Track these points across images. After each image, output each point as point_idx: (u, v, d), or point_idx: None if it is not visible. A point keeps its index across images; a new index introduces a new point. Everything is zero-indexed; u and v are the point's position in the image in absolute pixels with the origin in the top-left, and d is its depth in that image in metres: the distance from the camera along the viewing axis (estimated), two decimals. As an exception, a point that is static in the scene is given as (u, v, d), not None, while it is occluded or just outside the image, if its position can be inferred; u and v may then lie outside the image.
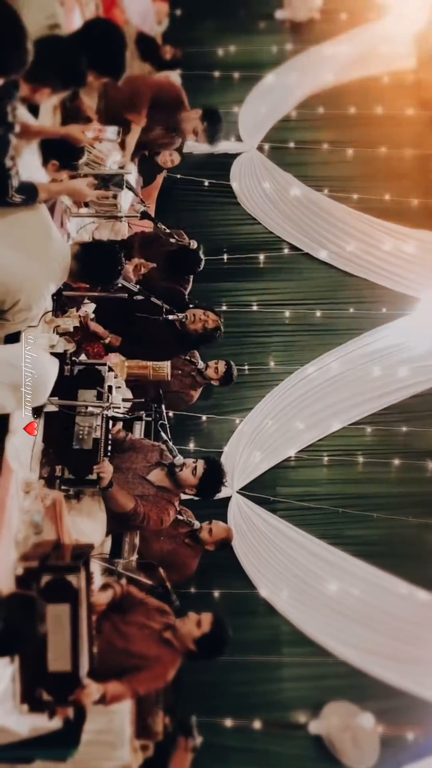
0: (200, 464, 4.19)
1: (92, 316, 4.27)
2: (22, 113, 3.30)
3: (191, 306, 4.93)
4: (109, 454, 3.79)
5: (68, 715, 3.31)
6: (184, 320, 4.70)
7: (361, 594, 5.42)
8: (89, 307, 4.25)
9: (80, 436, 3.68)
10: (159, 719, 4.17)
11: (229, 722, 5.11)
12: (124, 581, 3.84)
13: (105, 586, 3.70)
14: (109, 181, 4.08)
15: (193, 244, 5.32)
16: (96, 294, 4.15)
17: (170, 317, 4.61)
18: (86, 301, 4.22)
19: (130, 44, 4.04)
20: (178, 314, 4.63)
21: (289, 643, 5.39)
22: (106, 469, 3.70)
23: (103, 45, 3.43)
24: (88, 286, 3.90)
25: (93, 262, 3.49)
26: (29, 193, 3.23)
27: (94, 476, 3.67)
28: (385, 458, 5.89)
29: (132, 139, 4.86)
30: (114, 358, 4.48)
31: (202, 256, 5.26)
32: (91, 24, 3.92)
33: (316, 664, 5.33)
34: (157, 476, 4.18)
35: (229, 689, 5.09)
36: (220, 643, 3.69)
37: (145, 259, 5.21)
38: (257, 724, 5.15)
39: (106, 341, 4.39)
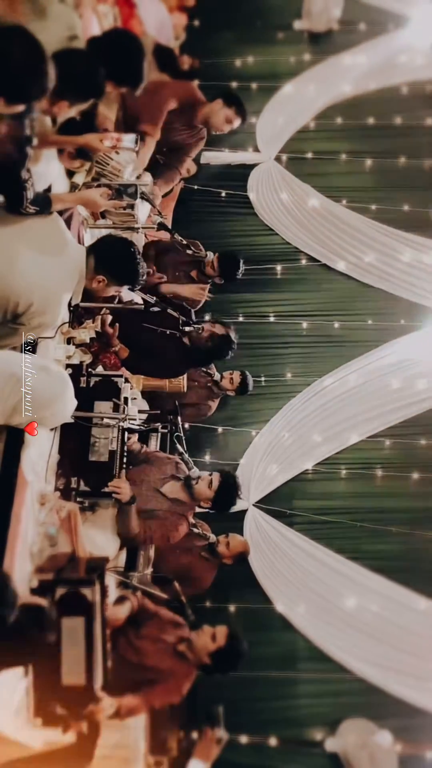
0: (216, 477, 4.16)
1: (110, 319, 4.26)
2: (43, 121, 3.32)
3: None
4: (124, 467, 3.78)
5: (82, 730, 3.28)
6: (200, 332, 4.65)
7: (379, 609, 5.34)
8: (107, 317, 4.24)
9: (96, 448, 3.68)
10: (173, 735, 4.13)
11: (244, 739, 5.05)
12: (138, 593, 3.82)
13: (121, 599, 3.67)
14: (123, 192, 4.08)
15: (209, 256, 5.31)
16: (113, 306, 4.14)
17: (186, 329, 4.58)
18: (105, 312, 4.21)
19: (148, 54, 4.03)
20: (195, 326, 4.59)
21: (306, 659, 5.31)
22: (121, 486, 3.68)
23: (121, 55, 3.44)
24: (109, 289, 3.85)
25: (110, 255, 3.49)
26: (43, 204, 3.26)
27: (108, 490, 3.67)
28: (404, 472, 5.81)
29: (147, 152, 4.86)
30: (130, 370, 4.46)
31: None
32: (109, 34, 3.95)
33: (333, 681, 5.25)
34: (170, 489, 4.15)
35: (244, 705, 5.02)
36: (235, 658, 3.67)
37: (160, 268, 5.22)
38: (273, 741, 5.09)
39: (116, 348, 4.36)
